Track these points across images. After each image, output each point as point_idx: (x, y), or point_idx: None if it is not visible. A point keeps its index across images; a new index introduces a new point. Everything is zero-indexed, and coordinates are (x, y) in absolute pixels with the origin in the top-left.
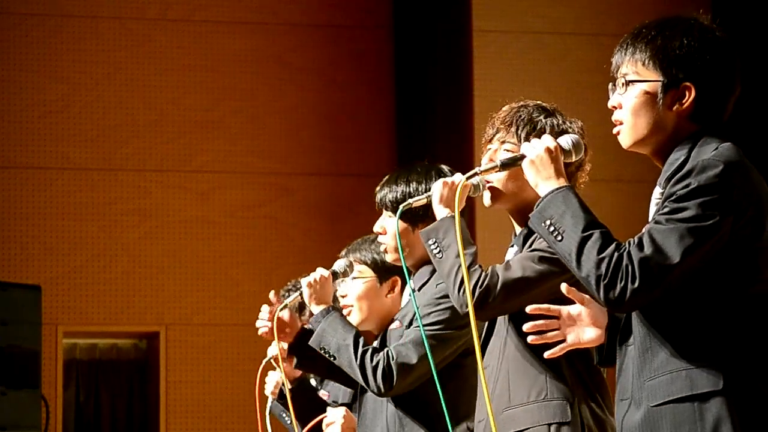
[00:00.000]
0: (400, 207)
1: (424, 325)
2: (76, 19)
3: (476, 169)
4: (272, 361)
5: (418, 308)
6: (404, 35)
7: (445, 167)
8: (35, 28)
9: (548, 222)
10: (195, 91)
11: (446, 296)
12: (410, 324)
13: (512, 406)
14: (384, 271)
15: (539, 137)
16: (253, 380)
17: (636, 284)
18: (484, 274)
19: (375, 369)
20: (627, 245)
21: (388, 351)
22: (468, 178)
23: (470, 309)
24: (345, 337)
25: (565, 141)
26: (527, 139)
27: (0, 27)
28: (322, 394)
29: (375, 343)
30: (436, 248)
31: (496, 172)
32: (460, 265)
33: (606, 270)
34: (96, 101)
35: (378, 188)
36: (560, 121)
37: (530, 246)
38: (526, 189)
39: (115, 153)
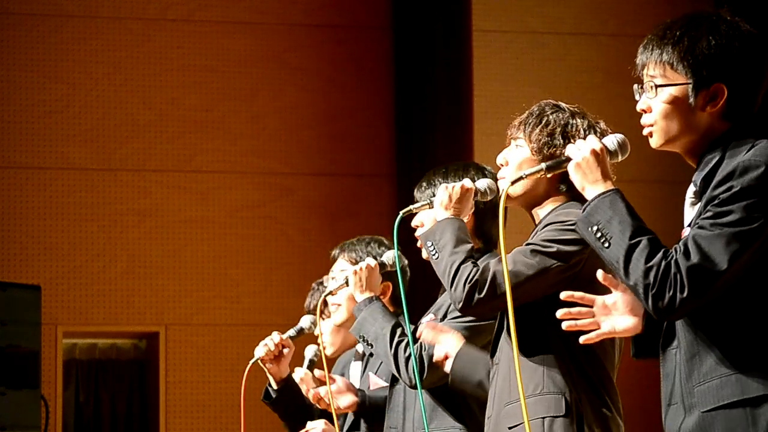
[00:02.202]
0: (400, 213)
1: (456, 317)
2: (77, 19)
3: (521, 173)
4: (259, 362)
5: (412, 336)
6: (404, 35)
7: (486, 166)
8: (35, 28)
9: (595, 228)
10: (195, 91)
11: None
12: (444, 316)
13: (512, 400)
14: None
15: (544, 130)
16: (253, 380)
17: (685, 293)
18: (475, 269)
19: (407, 361)
20: (674, 253)
21: (420, 343)
22: (513, 182)
23: (509, 302)
24: (383, 326)
25: (611, 141)
26: (532, 132)
27: (0, 27)
28: (373, 382)
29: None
30: (432, 250)
31: (542, 175)
32: (452, 264)
33: (654, 279)
34: (96, 101)
35: (416, 189)
36: (567, 116)
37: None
38: (539, 185)
39: (114, 153)
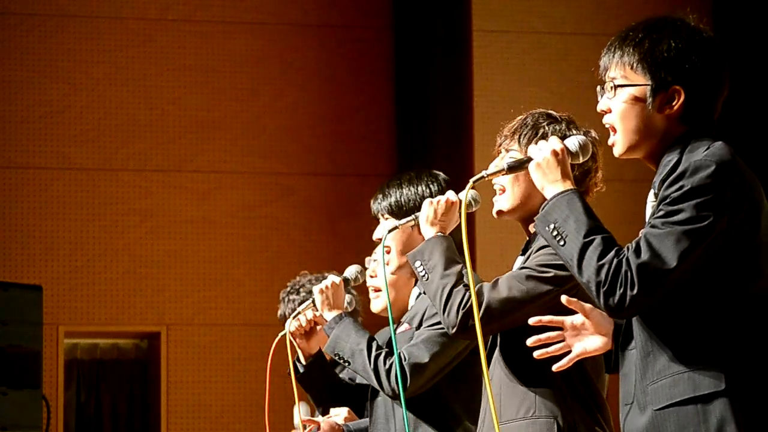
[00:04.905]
0: (387, 232)
1: (432, 325)
2: (77, 20)
3: (483, 173)
4: (289, 335)
5: (395, 334)
6: (404, 35)
7: (439, 173)
8: (36, 29)
9: (552, 226)
10: (195, 91)
11: None
12: (419, 325)
13: (502, 422)
14: None
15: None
16: (255, 380)
17: (635, 291)
18: (468, 294)
19: (388, 372)
20: (626, 251)
21: (400, 353)
22: (475, 182)
23: (477, 326)
24: (358, 341)
25: (572, 143)
26: (529, 144)
27: (0, 27)
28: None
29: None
30: (422, 270)
31: (503, 175)
32: (444, 287)
33: (605, 277)
34: (96, 101)
35: (372, 201)
36: (564, 128)
37: (526, 260)
38: (533, 198)
39: (115, 153)
